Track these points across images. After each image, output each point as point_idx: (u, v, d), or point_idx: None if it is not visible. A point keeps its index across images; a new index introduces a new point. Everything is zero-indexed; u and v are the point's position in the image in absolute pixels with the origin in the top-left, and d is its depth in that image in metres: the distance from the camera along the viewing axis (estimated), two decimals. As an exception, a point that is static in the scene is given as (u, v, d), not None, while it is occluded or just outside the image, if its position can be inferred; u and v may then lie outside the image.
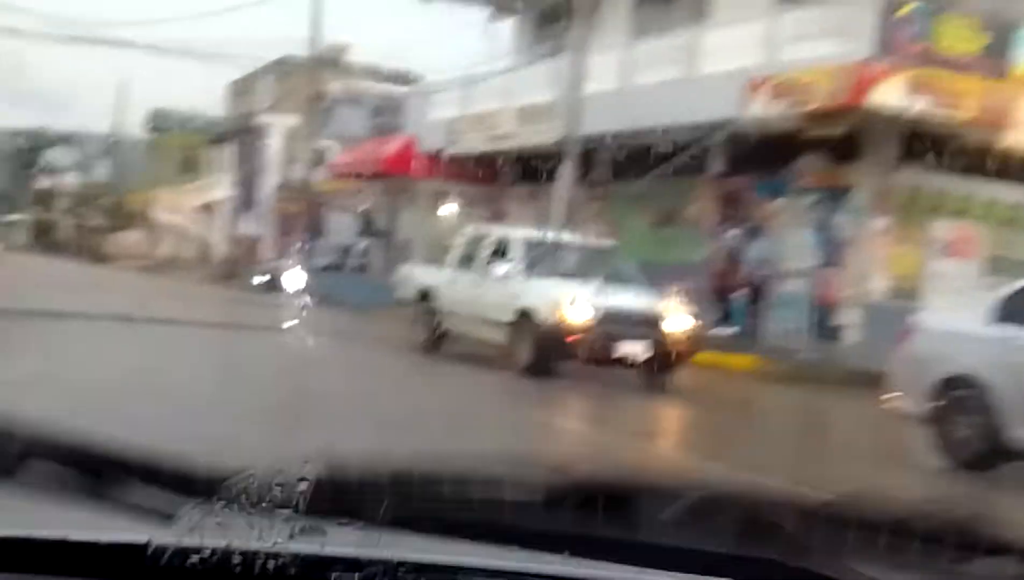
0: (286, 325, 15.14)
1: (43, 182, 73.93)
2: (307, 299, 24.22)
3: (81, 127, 69.09)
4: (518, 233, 15.77)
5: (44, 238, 68.66)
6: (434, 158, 27.03)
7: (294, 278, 27.77)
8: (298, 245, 31.87)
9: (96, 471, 1.44)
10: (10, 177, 74.36)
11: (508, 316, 13.91)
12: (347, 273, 28.91)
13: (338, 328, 17.83)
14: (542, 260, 14.59)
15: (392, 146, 28.87)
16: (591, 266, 14.51)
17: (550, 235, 16.00)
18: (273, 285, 30.43)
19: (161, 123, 63.14)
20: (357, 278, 27.91)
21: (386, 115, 34.08)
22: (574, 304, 13.30)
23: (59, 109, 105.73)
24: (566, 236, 16.41)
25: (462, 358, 15.16)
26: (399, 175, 28.48)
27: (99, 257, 54.61)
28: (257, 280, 32.87)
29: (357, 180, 31.17)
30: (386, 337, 17.46)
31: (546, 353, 13.35)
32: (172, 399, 9.03)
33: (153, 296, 24.08)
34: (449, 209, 28.53)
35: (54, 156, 73.54)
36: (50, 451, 1.44)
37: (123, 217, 63.03)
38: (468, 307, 14.97)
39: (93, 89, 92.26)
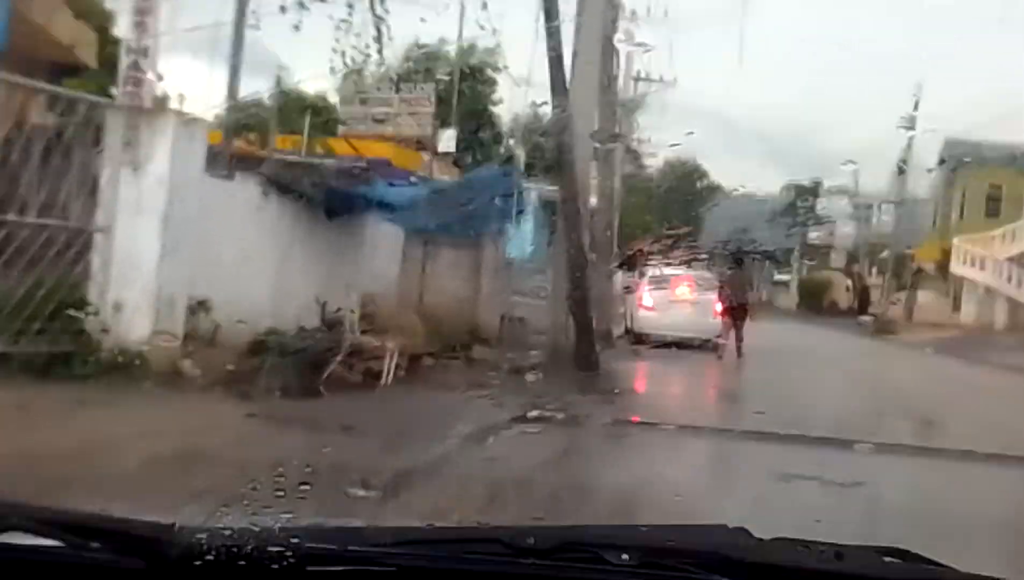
0: None
1: (815, 236, 62.15)
2: None
3: (853, 179, 56.00)
4: None
5: (813, 299, 56.39)
6: None
7: None
8: None
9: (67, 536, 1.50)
10: (781, 234, 63.66)
11: None
12: None
13: None
14: None
15: None
16: None
17: None
18: None
19: (956, 156, 47.69)
20: None
21: None
22: None
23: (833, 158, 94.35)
24: None
25: None
26: None
27: (880, 326, 40.32)
28: None
29: None
30: None
31: None
32: None
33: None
34: None
35: (829, 206, 61.40)
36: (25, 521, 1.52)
37: (908, 274, 48.51)
38: None
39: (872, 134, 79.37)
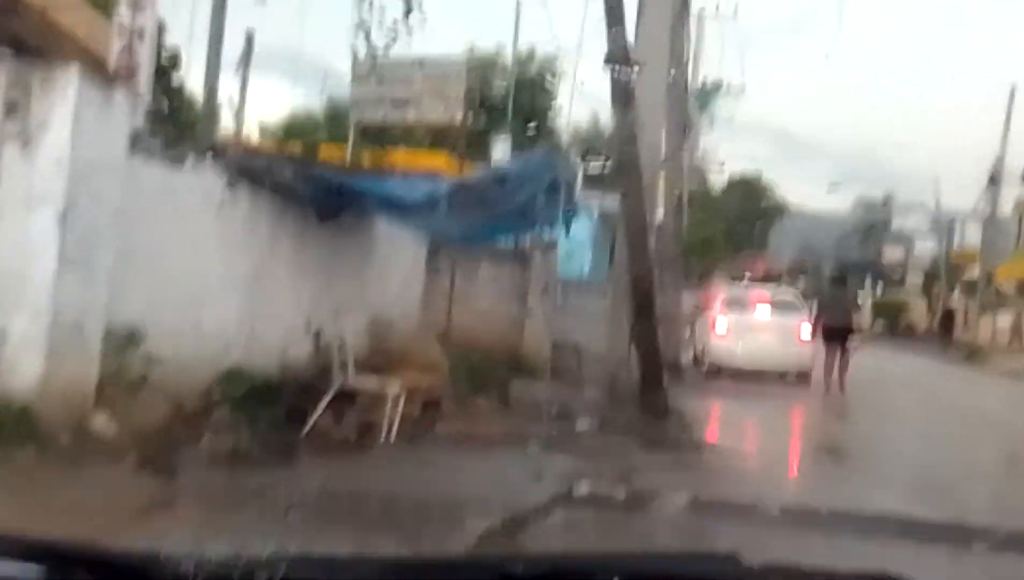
0: None
1: (892, 255, 58.50)
2: None
3: (932, 194, 52.17)
4: None
5: (888, 321, 52.68)
6: None
7: None
8: None
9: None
10: (853, 252, 60.20)
11: None
12: None
13: None
14: None
15: None
16: None
17: None
18: None
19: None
20: None
21: None
22: None
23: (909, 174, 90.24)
24: None
25: None
26: None
27: (970, 352, 36.75)
28: None
29: None
30: None
31: None
32: None
33: None
34: None
35: (905, 223, 57.71)
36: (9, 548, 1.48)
37: (994, 295, 44.78)
38: None
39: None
